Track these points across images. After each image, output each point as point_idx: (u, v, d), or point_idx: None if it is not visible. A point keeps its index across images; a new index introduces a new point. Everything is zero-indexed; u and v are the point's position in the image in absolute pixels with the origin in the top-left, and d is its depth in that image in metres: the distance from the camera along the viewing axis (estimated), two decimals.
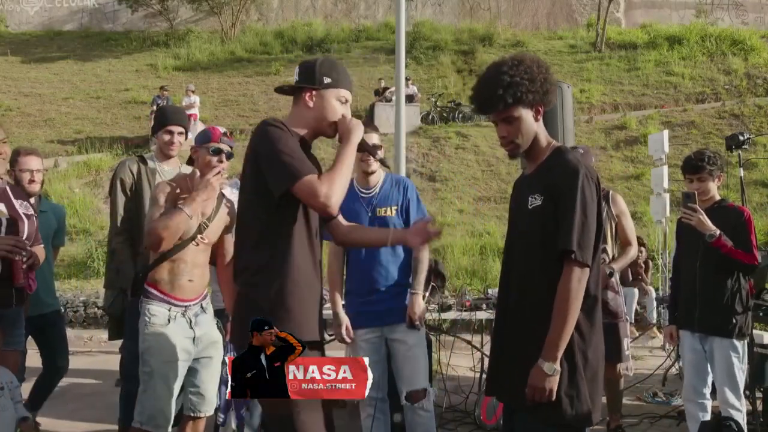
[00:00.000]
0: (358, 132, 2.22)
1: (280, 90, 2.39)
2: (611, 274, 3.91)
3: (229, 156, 2.95)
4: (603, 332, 3.95)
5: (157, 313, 2.84)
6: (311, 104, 2.22)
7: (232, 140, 3.05)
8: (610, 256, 3.99)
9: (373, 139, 3.26)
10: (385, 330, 3.25)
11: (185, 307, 2.90)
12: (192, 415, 3.02)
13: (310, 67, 2.24)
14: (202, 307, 2.99)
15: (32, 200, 3.87)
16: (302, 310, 2.12)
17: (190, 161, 3.05)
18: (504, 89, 2.11)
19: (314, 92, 2.22)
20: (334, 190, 2.06)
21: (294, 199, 2.09)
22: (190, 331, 2.91)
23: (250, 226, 2.16)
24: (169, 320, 2.85)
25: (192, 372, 2.97)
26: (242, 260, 2.18)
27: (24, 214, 3.17)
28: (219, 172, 2.87)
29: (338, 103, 2.24)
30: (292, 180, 2.04)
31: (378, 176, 3.34)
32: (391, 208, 3.27)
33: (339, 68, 2.28)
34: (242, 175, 2.24)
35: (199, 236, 2.91)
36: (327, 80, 2.22)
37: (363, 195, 3.30)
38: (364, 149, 2.34)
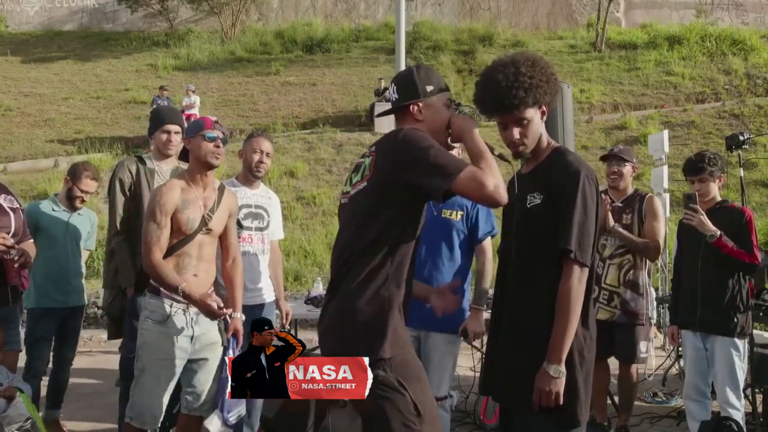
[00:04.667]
0: (472, 127, 2.08)
1: (382, 115, 2.30)
2: (612, 228, 3.78)
3: (224, 141, 2.94)
4: (619, 332, 3.93)
5: (156, 308, 2.83)
6: (420, 117, 2.12)
7: (222, 127, 3.03)
8: (633, 261, 3.90)
9: None
10: (423, 333, 3.19)
11: (187, 304, 2.86)
12: (187, 413, 3.01)
13: (409, 80, 2.15)
14: None
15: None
16: (394, 325, 1.99)
17: (184, 153, 3.00)
18: (526, 91, 2.06)
19: (421, 104, 2.12)
20: (499, 179, 1.90)
21: (417, 218, 2.03)
22: (189, 330, 2.88)
23: (364, 238, 2.00)
24: (168, 317, 2.83)
25: (188, 372, 2.96)
26: (348, 270, 2.02)
27: (9, 207, 3.15)
28: (223, 314, 2.78)
29: (444, 108, 2.16)
30: (453, 177, 1.89)
31: None
32: (456, 212, 3.21)
33: (435, 73, 2.20)
34: (368, 184, 2.05)
35: (204, 228, 2.89)
36: (430, 88, 2.14)
37: None
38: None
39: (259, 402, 3.56)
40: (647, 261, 4.00)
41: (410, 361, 2.02)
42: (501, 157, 2.22)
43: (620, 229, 3.85)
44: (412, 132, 2.00)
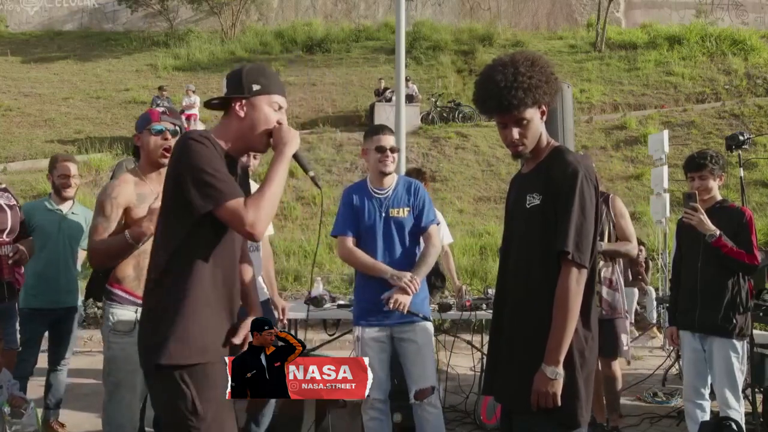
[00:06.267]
0: (293, 143, 2.07)
1: (209, 104, 2.25)
2: (601, 250, 3.81)
3: (174, 133, 2.80)
4: (599, 328, 3.95)
5: (121, 317, 2.69)
6: (242, 114, 2.07)
7: (174, 116, 2.89)
8: (605, 258, 3.95)
9: (390, 141, 3.30)
10: (395, 329, 3.23)
11: None
12: None
13: (236, 76, 2.12)
14: None
15: (67, 204, 4.10)
16: (202, 332, 1.98)
17: (136, 150, 2.88)
18: (525, 92, 2.06)
19: (244, 101, 2.08)
20: (260, 217, 1.91)
21: (216, 219, 1.96)
22: None
23: (166, 244, 2.01)
24: (135, 324, 2.66)
25: None
26: (152, 278, 2.04)
27: (6, 204, 3.17)
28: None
29: (271, 111, 2.10)
30: (215, 202, 1.90)
31: (392, 178, 3.36)
32: (403, 210, 3.29)
33: (268, 73, 2.14)
34: (163, 191, 2.08)
35: None
36: (256, 87, 2.08)
37: (376, 195, 3.31)
38: (300, 163, 2.19)
39: (271, 406, 3.54)
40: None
41: (209, 372, 1.97)
42: (313, 180, 2.26)
43: (605, 247, 3.90)
44: (197, 145, 1.95)
